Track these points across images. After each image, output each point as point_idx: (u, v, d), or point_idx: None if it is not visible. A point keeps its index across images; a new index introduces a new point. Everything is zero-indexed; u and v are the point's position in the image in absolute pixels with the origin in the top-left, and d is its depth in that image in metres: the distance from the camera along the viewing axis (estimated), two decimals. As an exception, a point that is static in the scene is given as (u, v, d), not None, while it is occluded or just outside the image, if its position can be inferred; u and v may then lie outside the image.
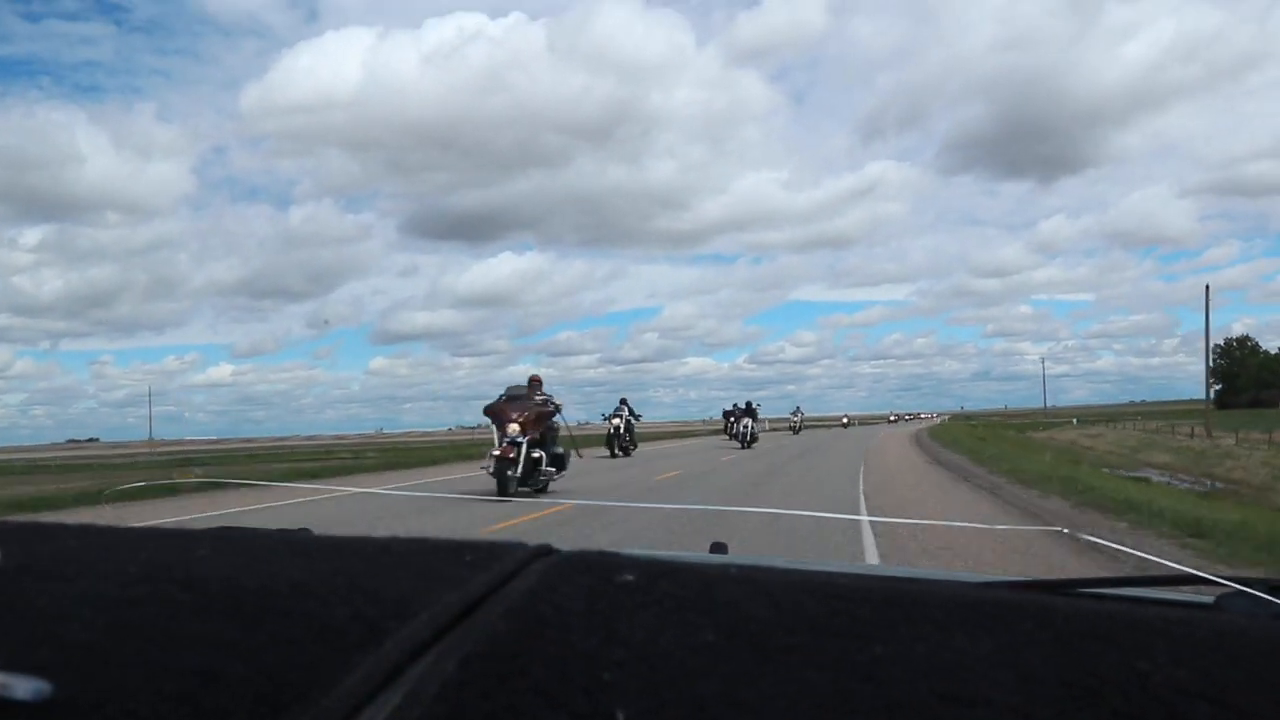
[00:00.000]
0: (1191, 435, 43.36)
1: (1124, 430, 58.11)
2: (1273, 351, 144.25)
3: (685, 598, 0.50)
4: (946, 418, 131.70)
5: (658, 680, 0.41)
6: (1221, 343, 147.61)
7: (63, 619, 0.46)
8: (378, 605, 0.49)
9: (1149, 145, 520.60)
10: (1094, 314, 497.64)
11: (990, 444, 30.21)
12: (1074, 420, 69.63)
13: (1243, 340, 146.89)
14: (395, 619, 0.47)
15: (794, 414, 59.54)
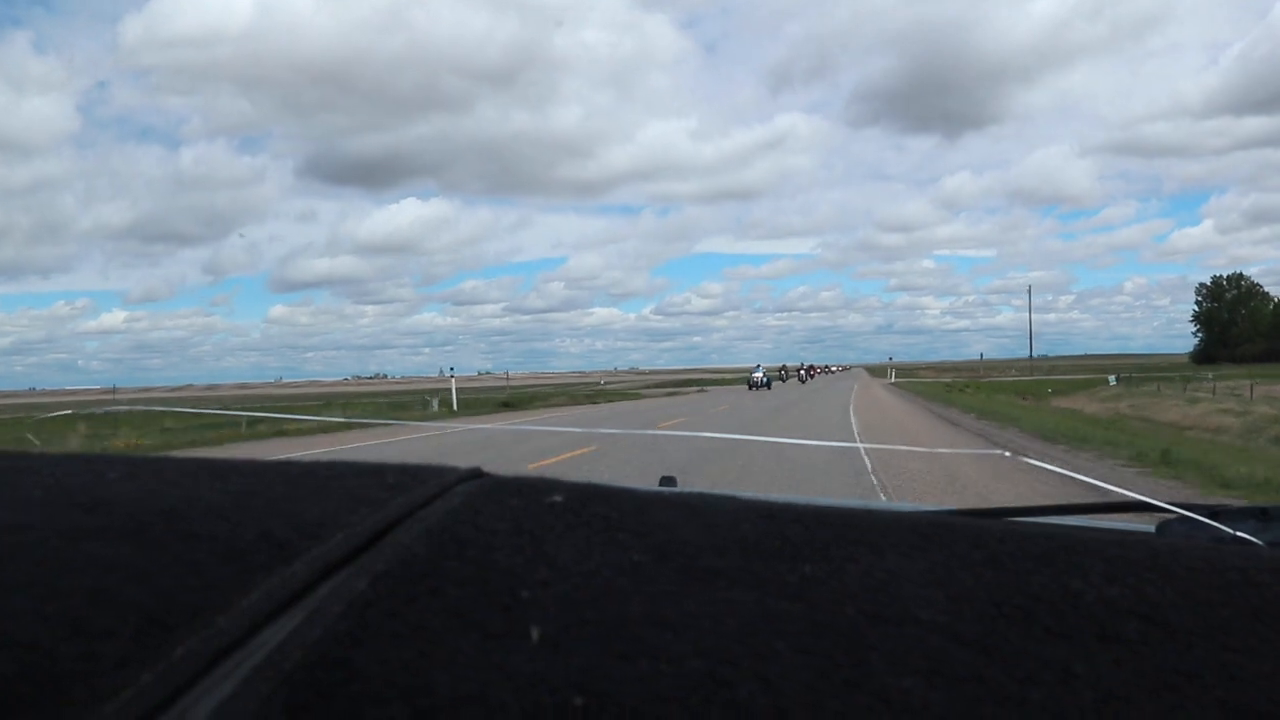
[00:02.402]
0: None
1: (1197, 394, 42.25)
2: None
3: (615, 519, 0.49)
4: (862, 372, 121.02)
5: (580, 600, 0.40)
6: (1208, 281, 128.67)
7: None
8: (291, 526, 0.47)
9: (1053, 103, 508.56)
10: (995, 270, 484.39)
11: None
12: (1110, 379, 49.38)
13: (1236, 279, 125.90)
14: (307, 539, 0.45)
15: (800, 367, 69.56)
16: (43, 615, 0.38)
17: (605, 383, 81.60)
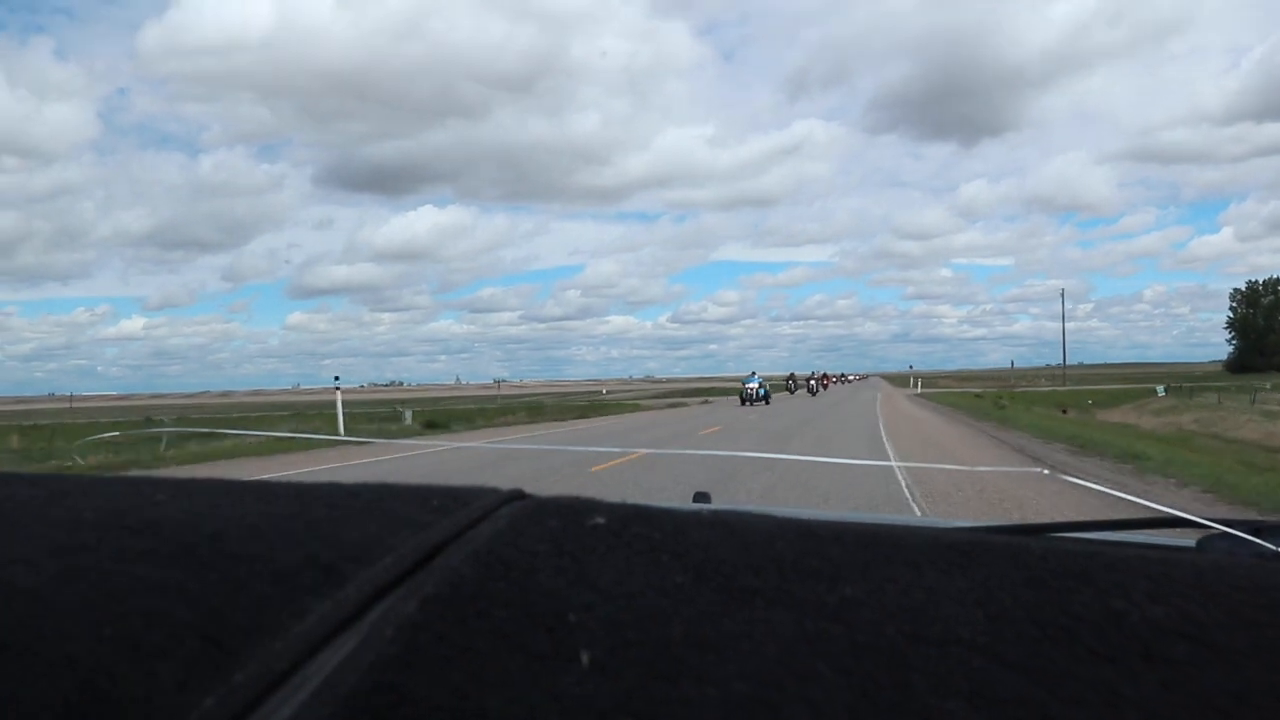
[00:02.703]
0: None
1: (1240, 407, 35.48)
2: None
3: (656, 540, 0.49)
4: (881, 381, 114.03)
5: (624, 621, 0.40)
6: (1243, 287, 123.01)
7: (7, 564, 0.46)
8: (337, 549, 0.48)
9: (1070, 109, 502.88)
10: (1012, 278, 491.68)
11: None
12: (1159, 390, 44.56)
13: (1272, 284, 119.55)
14: (354, 562, 0.46)
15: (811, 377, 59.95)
16: (102, 637, 0.38)
17: (607, 392, 77.38)
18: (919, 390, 59.98)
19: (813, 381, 55.97)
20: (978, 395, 46.22)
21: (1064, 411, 36.71)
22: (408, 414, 30.45)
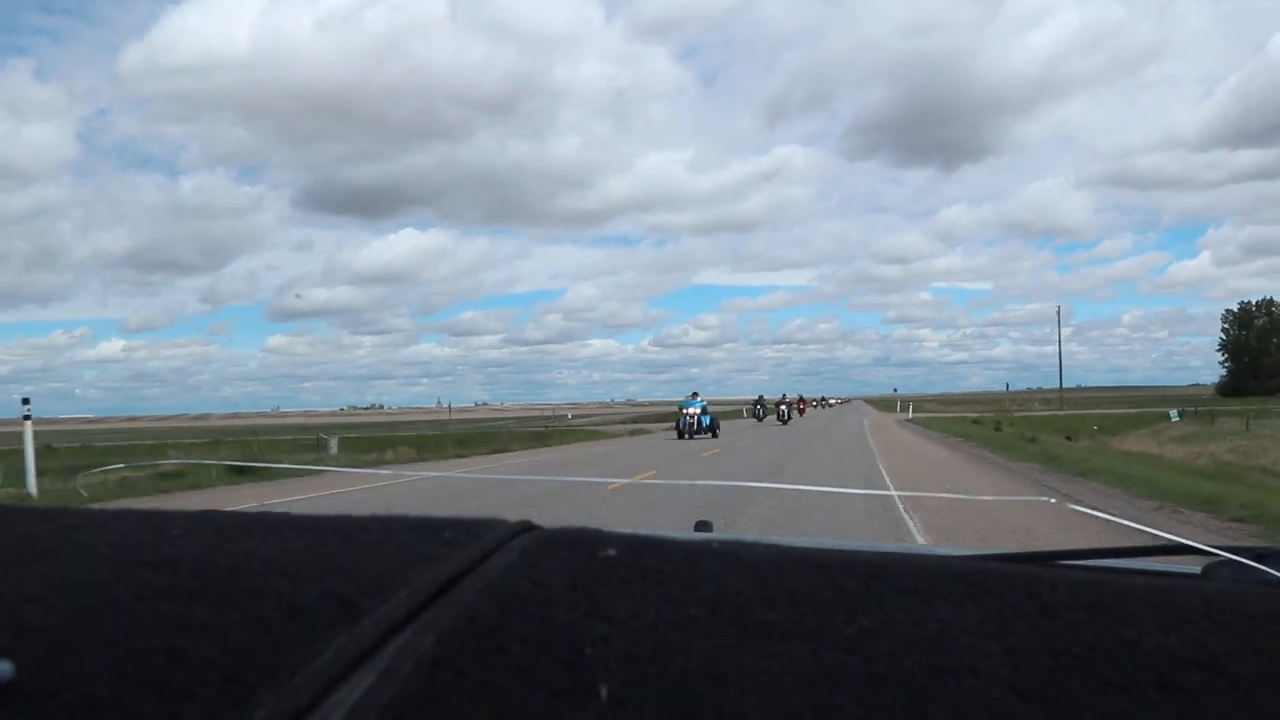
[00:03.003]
0: None
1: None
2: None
3: (668, 572, 0.50)
4: (864, 405, 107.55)
5: (640, 655, 0.40)
6: (1235, 308, 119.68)
7: (25, 602, 0.45)
8: (352, 583, 0.48)
9: (1049, 135, 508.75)
10: (992, 302, 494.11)
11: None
12: (1172, 414, 40.33)
13: (1266, 305, 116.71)
14: (370, 597, 0.46)
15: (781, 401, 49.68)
16: (125, 676, 0.38)
17: (572, 416, 72.68)
18: (909, 415, 53.01)
19: (783, 407, 44.84)
20: (975, 421, 41.88)
21: (1068, 439, 32.69)
22: (333, 442, 26.51)
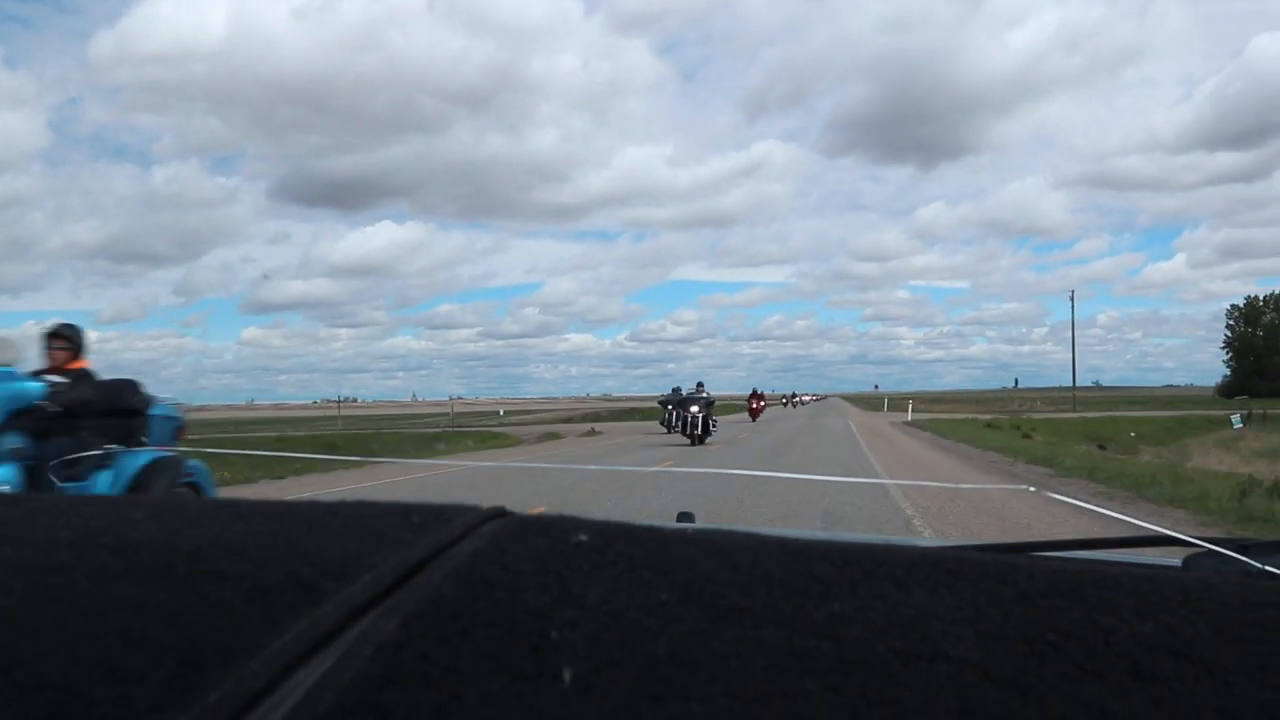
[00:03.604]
0: None
1: None
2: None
3: (640, 558, 0.49)
4: (843, 404, 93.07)
5: (609, 639, 0.40)
6: (1241, 304, 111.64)
7: None
8: (316, 567, 0.47)
9: (1028, 134, 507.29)
10: (969, 301, 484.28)
11: None
12: (1235, 419, 31.63)
13: (1275, 300, 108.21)
14: (334, 580, 0.45)
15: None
16: (76, 658, 0.38)
17: (504, 413, 63.63)
18: (909, 418, 39.54)
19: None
20: (988, 425, 33.02)
21: (1102, 448, 24.32)
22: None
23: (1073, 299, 72.55)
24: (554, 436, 30.22)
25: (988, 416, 41.00)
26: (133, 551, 0.50)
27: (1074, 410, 57.04)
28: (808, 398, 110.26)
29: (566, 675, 0.37)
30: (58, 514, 0.58)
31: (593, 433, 32.67)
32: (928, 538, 1.83)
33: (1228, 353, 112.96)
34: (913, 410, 45.74)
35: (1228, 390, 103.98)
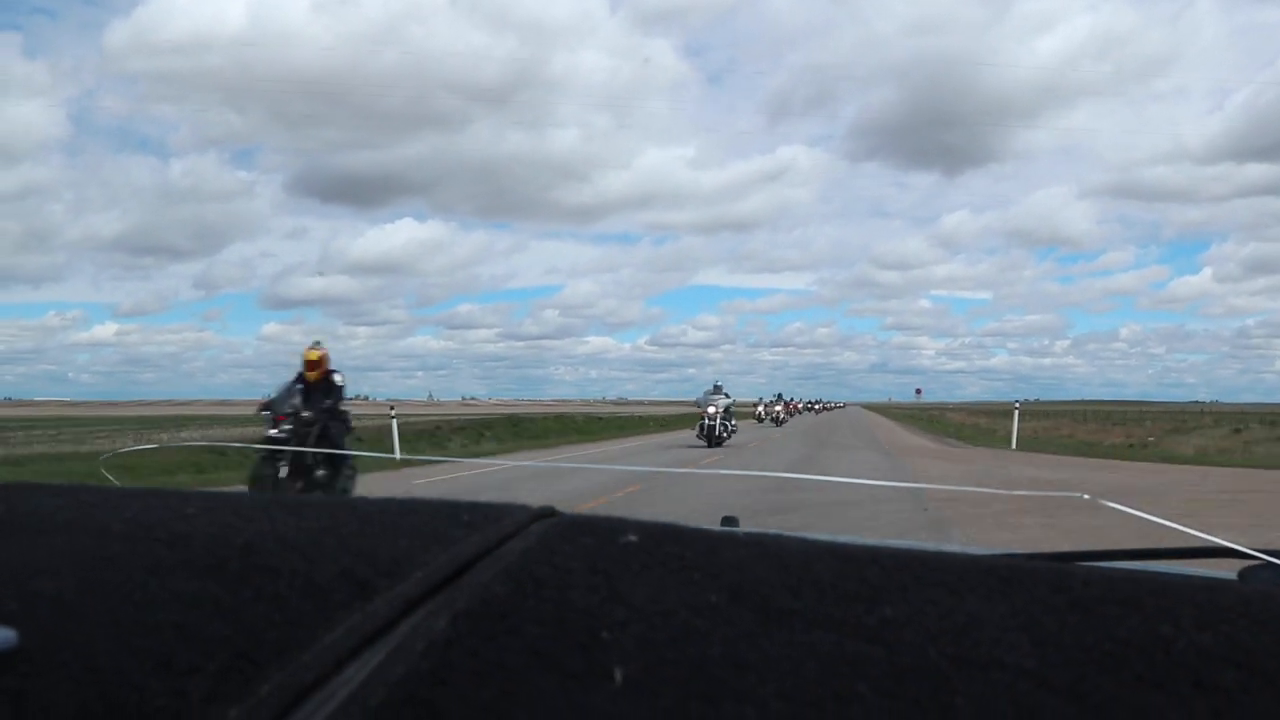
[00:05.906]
0: None
1: None
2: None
3: (689, 559, 0.49)
4: (863, 413, 79.10)
5: (658, 640, 0.40)
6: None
7: (35, 573, 0.46)
8: (368, 564, 0.48)
9: (1054, 143, 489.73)
10: (991, 312, 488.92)
11: None
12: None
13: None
14: (385, 577, 0.46)
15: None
16: (130, 649, 0.38)
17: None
18: (1013, 445, 23.06)
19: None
20: (1131, 446, 24.05)
21: None
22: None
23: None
24: (546, 446, 21.36)
25: (1118, 440, 31.13)
26: (185, 544, 0.50)
27: (1223, 428, 46.88)
28: (818, 405, 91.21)
29: (617, 675, 0.37)
30: (108, 507, 0.59)
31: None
32: (976, 546, 1.33)
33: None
34: (1017, 429, 24.88)
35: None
